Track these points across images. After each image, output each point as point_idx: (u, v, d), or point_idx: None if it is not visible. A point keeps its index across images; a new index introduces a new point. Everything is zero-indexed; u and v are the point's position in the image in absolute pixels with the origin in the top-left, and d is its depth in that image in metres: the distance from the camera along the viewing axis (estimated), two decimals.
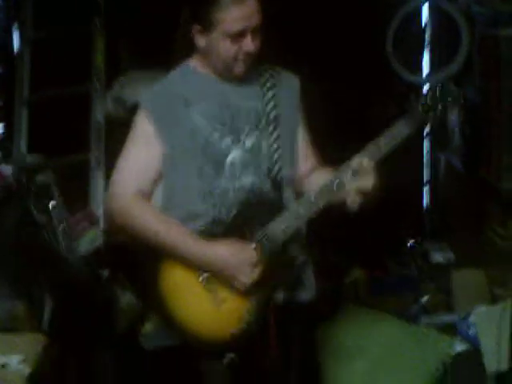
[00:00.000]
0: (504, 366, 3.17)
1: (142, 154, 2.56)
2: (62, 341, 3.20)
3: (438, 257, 4.44)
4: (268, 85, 2.64)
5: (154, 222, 2.51)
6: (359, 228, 4.30)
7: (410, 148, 4.81)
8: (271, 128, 2.58)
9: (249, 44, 2.47)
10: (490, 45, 3.99)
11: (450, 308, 3.91)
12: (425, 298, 4.04)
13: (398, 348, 3.42)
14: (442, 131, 4.66)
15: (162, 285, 2.49)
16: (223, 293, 2.47)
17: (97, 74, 4.49)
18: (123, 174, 2.57)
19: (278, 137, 2.58)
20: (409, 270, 4.57)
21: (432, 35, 4.81)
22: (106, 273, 3.84)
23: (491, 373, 3.20)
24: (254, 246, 2.45)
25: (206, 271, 2.47)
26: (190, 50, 2.62)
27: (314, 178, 2.62)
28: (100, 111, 4.43)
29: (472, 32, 4.17)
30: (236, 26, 2.45)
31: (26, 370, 2.89)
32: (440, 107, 2.45)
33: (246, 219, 2.50)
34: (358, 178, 2.41)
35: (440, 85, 2.46)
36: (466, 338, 3.40)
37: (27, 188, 3.68)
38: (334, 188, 2.44)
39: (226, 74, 2.56)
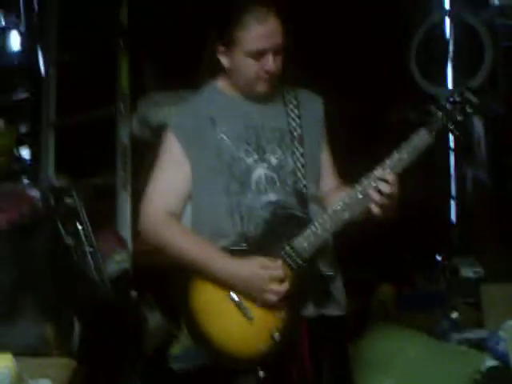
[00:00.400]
0: None
1: (172, 174, 2.60)
2: (90, 363, 3.20)
3: (466, 272, 4.40)
4: (292, 105, 2.66)
5: (184, 241, 2.54)
6: (387, 243, 4.30)
7: (437, 163, 4.86)
8: (295, 146, 2.60)
9: (270, 63, 2.49)
10: None
11: (479, 323, 3.88)
12: (454, 314, 4.01)
13: (427, 364, 3.39)
14: (468, 145, 4.65)
15: (193, 303, 2.51)
16: (253, 309, 2.48)
17: (122, 95, 4.51)
18: (154, 195, 2.60)
19: (302, 155, 2.60)
20: (437, 286, 4.54)
21: (455, 47, 4.80)
22: (134, 294, 3.85)
23: None
24: (280, 261, 2.47)
25: (234, 288, 2.48)
26: (215, 70, 2.65)
27: (337, 196, 2.62)
28: (125, 133, 4.45)
29: (496, 44, 4.17)
30: (257, 45, 2.47)
31: None
32: (461, 118, 2.45)
33: (272, 235, 2.50)
34: (380, 185, 2.40)
35: (461, 95, 2.45)
36: (496, 354, 3.37)
37: (55, 211, 3.70)
38: (358, 198, 2.44)
39: (249, 93, 2.59)
